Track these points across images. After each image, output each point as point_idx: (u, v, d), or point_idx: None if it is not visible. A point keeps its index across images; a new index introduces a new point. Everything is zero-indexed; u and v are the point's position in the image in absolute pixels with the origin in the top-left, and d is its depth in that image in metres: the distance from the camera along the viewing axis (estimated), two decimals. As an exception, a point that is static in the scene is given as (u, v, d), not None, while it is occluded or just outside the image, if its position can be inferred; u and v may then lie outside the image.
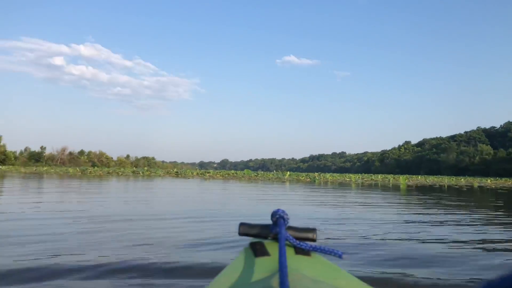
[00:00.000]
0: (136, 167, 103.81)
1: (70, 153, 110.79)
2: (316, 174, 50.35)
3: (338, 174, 62.06)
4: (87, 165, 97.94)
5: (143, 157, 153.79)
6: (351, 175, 57.16)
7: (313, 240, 0.95)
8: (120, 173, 45.91)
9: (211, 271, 2.97)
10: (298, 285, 0.66)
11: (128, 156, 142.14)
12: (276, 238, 0.95)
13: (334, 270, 0.83)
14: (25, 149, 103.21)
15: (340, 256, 0.83)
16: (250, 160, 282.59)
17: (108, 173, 47.23)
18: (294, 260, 0.83)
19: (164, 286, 2.63)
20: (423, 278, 2.98)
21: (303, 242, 0.90)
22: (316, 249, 0.87)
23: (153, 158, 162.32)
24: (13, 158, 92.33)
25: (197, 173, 45.84)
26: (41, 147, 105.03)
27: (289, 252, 0.87)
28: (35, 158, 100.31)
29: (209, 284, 0.80)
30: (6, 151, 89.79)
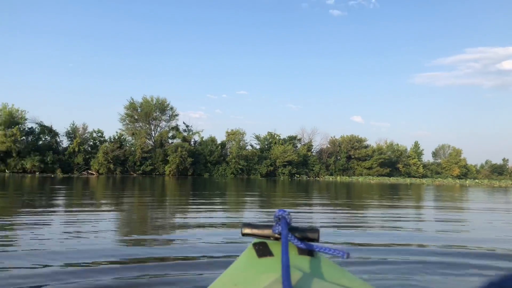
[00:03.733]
0: None
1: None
2: None
3: None
4: None
5: None
6: None
7: (316, 240, 0.94)
8: None
9: None
10: (301, 285, 0.67)
11: None
12: (279, 239, 0.94)
13: (337, 271, 0.82)
14: (486, 162, 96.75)
15: (343, 257, 0.82)
16: None
17: None
18: (297, 260, 0.83)
19: None
20: None
21: (306, 242, 0.90)
22: (319, 250, 0.86)
23: None
24: (474, 172, 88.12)
25: None
26: (503, 160, 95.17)
27: (292, 252, 0.87)
28: (497, 171, 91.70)
29: (212, 284, 0.80)
30: (466, 164, 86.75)
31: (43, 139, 49.92)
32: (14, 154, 44.66)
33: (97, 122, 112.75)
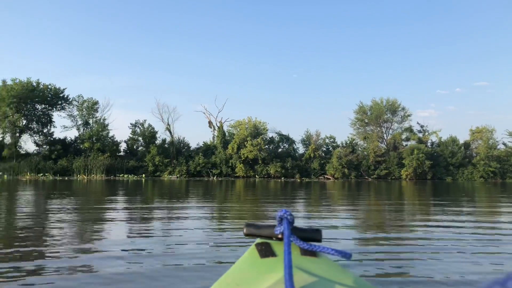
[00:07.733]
0: None
1: None
2: None
3: None
4: None
5: None
6: None
7: (319, 240, 0.93)
8: None
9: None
10: (304, 286, 0.67)
11: None
12: (281, 239, 0.93)
13: (340, 271, 0.81)
14: None
15: (346, 257, 0.80)
16: None
17: None
18: (300, 261, 0.82)
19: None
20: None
21: (309, 243, 0.88)
22: (322, 250, 0.84)
23: None
24: None
25: None
26: None
27: (295, 252, 0.86)
28: None
29: (214, 284, 0.80)
30: None
31: (282, 147, 53.64)
32: (260, 161, 49.19)
33: (329, 128, 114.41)
